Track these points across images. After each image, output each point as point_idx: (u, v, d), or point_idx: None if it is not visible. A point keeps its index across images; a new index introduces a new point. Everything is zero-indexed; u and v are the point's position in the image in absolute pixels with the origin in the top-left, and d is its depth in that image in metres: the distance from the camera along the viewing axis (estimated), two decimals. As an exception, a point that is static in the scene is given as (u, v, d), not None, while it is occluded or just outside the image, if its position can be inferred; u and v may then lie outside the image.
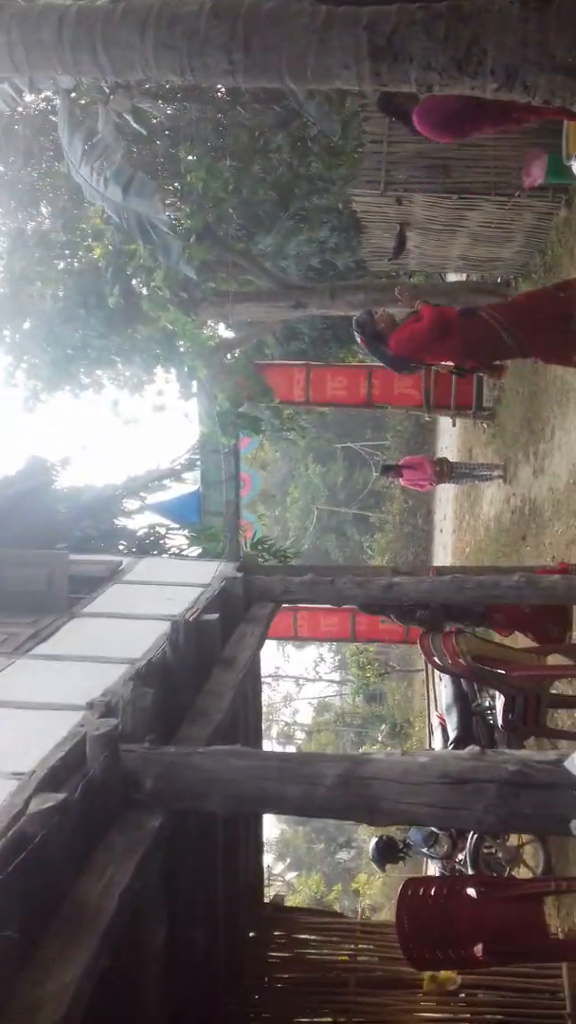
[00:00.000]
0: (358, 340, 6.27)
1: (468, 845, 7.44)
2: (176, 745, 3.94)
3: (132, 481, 7.90)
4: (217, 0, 4.68)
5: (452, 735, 6.93)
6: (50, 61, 4.71)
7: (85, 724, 3.55)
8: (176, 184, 13.45)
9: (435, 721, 8.31)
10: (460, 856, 7.86)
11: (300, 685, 44.29)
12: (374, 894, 26.54)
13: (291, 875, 45.02)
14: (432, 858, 8.40)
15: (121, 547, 7.58)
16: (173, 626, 4.36)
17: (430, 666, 6.30)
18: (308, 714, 44.88)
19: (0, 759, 3.24)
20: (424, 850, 8.20)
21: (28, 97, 14.89)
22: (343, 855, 40.59)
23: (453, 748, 6.70)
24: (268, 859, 45.64)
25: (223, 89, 13.18)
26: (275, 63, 4.65)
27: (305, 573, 6.39)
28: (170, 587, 5.71)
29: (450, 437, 16.67)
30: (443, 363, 6.56)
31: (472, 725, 6.94)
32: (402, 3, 4.61)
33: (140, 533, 7.83)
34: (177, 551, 7.67)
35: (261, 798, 3.42)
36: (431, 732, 9.79)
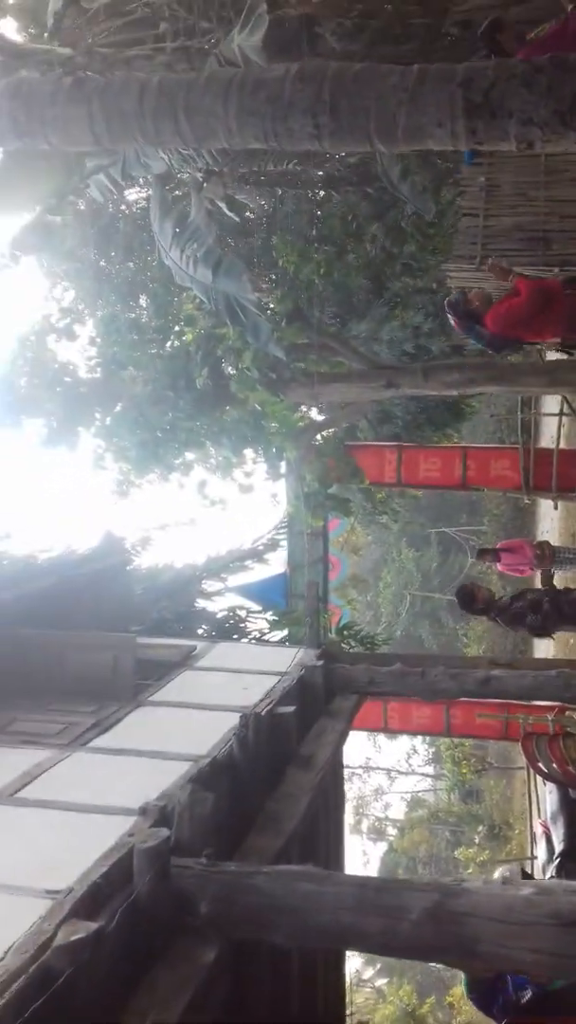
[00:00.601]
0: (451, 322, 5.84)
1: None
2: (240, 859, 3.47)
3: (213, 562, 7.61)
4: (303, 65, 4.55)
5: (558, 847, 6.18)
6: (130, 131, 4.63)
7: (135, 833, 3.14)
8: (272, 275, 13.59)
9: (539, 830, 7.52)
10: None
11: (392, 778, 42.68)
12: (469, 1010, 24.62)
13: (381, 981, 42.58)
14: None
15: (201, 630, 7.25)
16: (242, 720, 3.95)
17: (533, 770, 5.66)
18: (400, 808, 43.08)
19: (36, 872, 2.85)
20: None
21: (128, 193, 15.55)
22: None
23: (560, 864, 5.95)
24: (356, 963, 43.49)
25: (320, 173, 13.40)
26: (363, 125, 4.45)
27: (393, 662, 5.92)
28: (245, 675, 5.32)
29: (551, 521, 15.96)
30: (548, 340, 6.02)
31: None
32: (500, 59, 4.36)
33: (220, 616, 7.48)
34: (258, 635, 7.28)
35: (334, 931, 2.93)
36: (534, 841, 8.93)
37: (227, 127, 4.53)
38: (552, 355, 11.72)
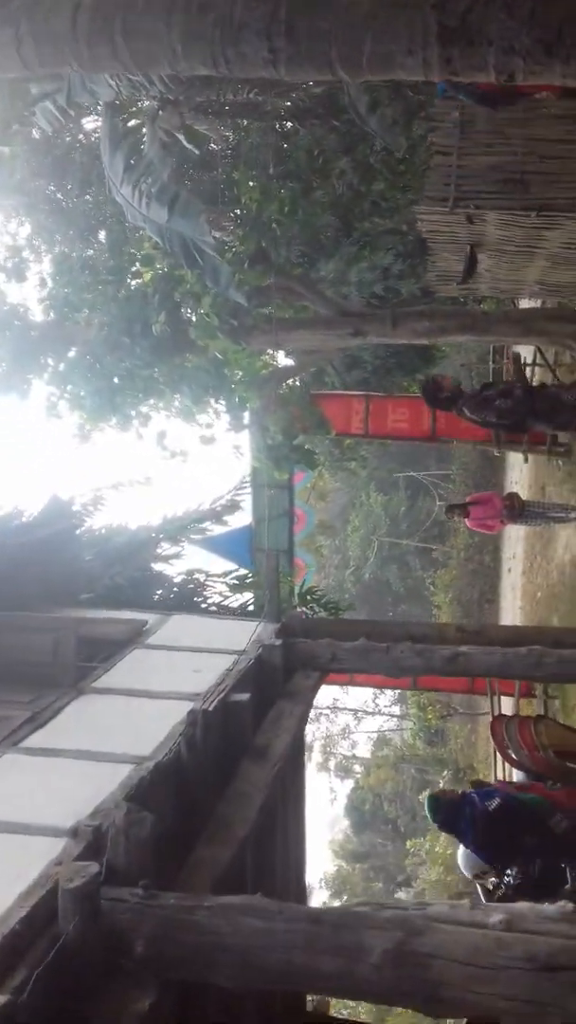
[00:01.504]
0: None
1: None
2: (186, 874, 3.16)
3: (169, 523, 7.21)
4: (257, -21, 4.03)
5: (510, 876, 5.97)
6: (63, 55, 4.08)
7: (63, 861, 2.80)
8: (236, 212, 12.93)
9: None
10: None
11: (359, 718, 43.25)
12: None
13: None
14: None
15: (157, 595, 6.88)
16: (191, 716, 3.62)
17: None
18: (367, 747, 43.75)
19: (-56, 918, 2.52)
20: None
21: (86, 121, 14.69)
22: (402, 894, 39.21)
23: (519, 878, 5.74)
24: (324, 896, 44.56)
25: (287, 104, 12.67)
26: (324, 51, 3.95)
27: (357, 632, 5.61)
28: (199, 654, 4.98)
29: (520, 473, 15.70)
30: None
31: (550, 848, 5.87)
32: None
33: (178, 580, 7.11)
34: (219, 601, 6.93)
35: (285, 973, 2.63)
36: None
37: (171, 51, 4.00)
38: (525, 303, 11.31)
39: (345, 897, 43.31)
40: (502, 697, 12.45)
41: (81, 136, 15.87)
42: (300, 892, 5.37)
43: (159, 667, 4.78)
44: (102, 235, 14.70)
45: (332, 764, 42.12)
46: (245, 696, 4.13)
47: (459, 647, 5.21)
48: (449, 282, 9.00)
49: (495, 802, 5.73)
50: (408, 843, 29.64)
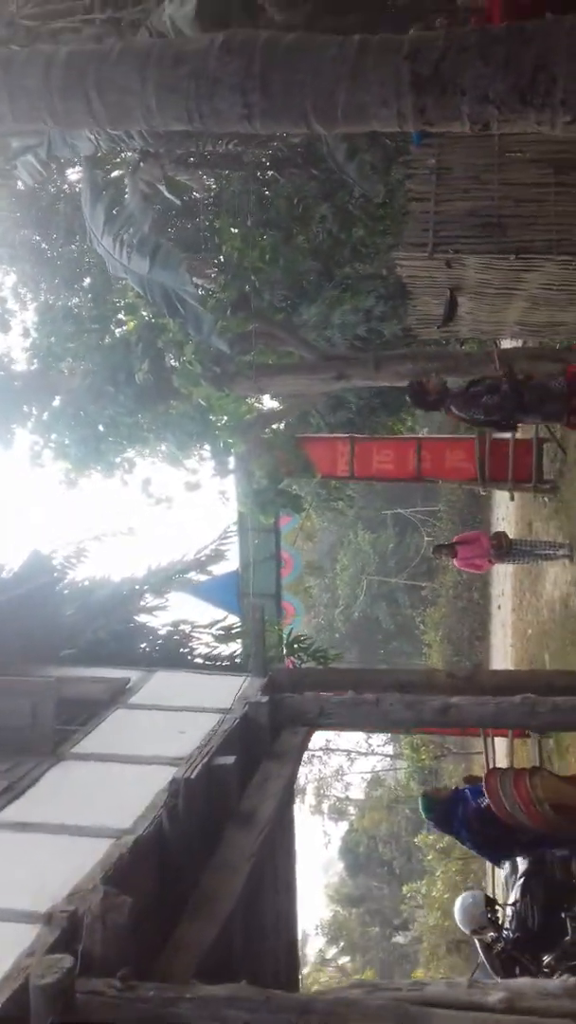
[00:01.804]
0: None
1: None
2: (169, 955, 3.01)
3: (153, 574, 7.08)
4: (229, 35, 4.02)
5: (509, 930, 5.81)
6: (37, 111, 4.06)
7: (35, 952, 2.65)
8: (220, 259, 13.01)
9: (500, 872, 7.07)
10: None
11: (352, 759, 42.78)
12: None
13: (344, 959, 42.85)
14: None
15: (142, 648, 6.72)
16: (173, 786, 3.47)
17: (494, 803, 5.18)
18: (361, 788, 43.26)
19: None
20: None
21: (70, 172, 14.80)
22: (400, 938, 38.45)
23: (506, 955, 5.57)
24: (320, 943, 43.53)
25: (268, 153, 12.81)
26: (298, 104, 3.93)
27: (345, 686, 5.48)
28: (183, 713, 4.83)
29: (507, 509, 15.68)
30: None
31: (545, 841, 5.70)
32: (450, 28, 3.88)
33: (162, 632, 6.96)
34: (205, 653, 6.78)
35: (272, 1069, 2.47)
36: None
37: (145, 106, 3.98)
38: (507, 343, 11.35)
39: (342, 943, 42.52)
40: (495, 738, 12.28)
41: (66, 186, 16.01)
42: (292, 962, 5.16)
43: (142, 729, 4.63)
44: (87, 282, 14.77)
45: (326, 807, 41.57)
46: (230, 760, 3.99)
47: (450, 698, 5.09)
48: (430, 325, 9.00)
49: (486, 799, 5.66)
50: (405, 888, 29.13)
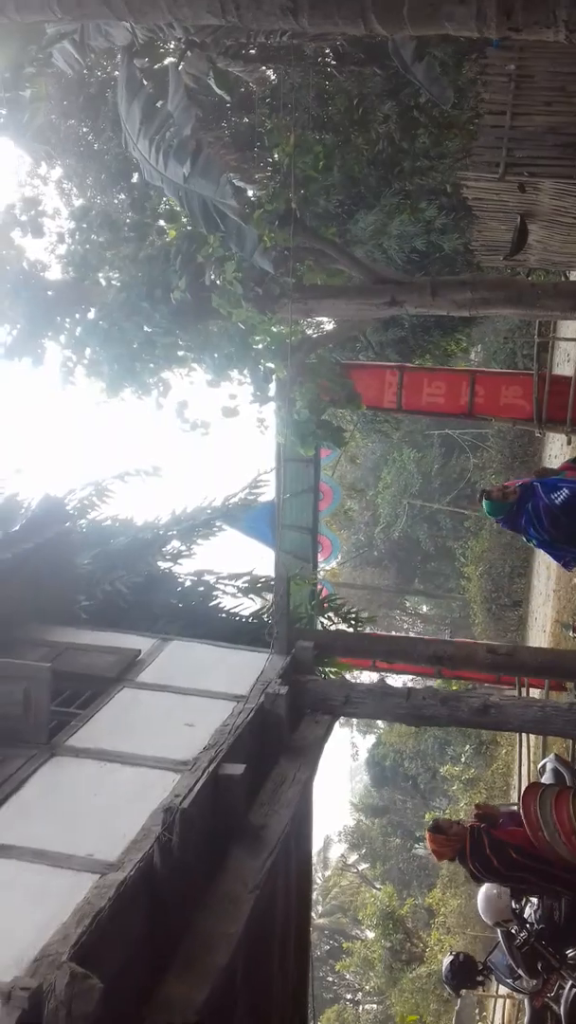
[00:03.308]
0: None
1: (567, 995, 6.01)
2: (149, 1016, 2.60)
3: (178, 520, 6.60)
4: None
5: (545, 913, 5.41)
6: (47, 2, 3.37)
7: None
8: (274, 157, 12.06)
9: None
10: (551, 994, 6.43)
11: (382, 675, 43.01)
12: (449, 912, 25.04)
13: (364, 866, 44.19)
14: (516, 991, 6.96)
15: (164, 600, 6.28)
16: (167, 817, 3.03)
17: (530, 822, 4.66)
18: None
19: None
20: (508, 981, 6.76)
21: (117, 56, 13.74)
22: (420, 850, 39.36)
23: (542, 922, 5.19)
24: (342, 848, 44.85)
25: (327, 49, 11.68)
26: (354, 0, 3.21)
27: (375, 653, 5.04)
28: (193, 698, 4.40)
29: (560, 450, 14.84)
30: None
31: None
32: None
33: (186, 584, 6.52)
34: (228, 611, 6.34)
35: None
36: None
37: (170, -2, 3.28)
38: (577, 274, 10.42)
39: (364, 850, 43.76)
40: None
41: (116, 73, 14.93)
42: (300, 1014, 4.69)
43: (147, 717, 4.21)
44: (136, 178, 13.87)
45: (354, 720, 42.16)
46: (239, 770, 3.55)
47: (489, 697, 4.57)
48: (496, 253, 8.18)
49: (562, 494, 5.34)
50: (427, 816, 29.46)
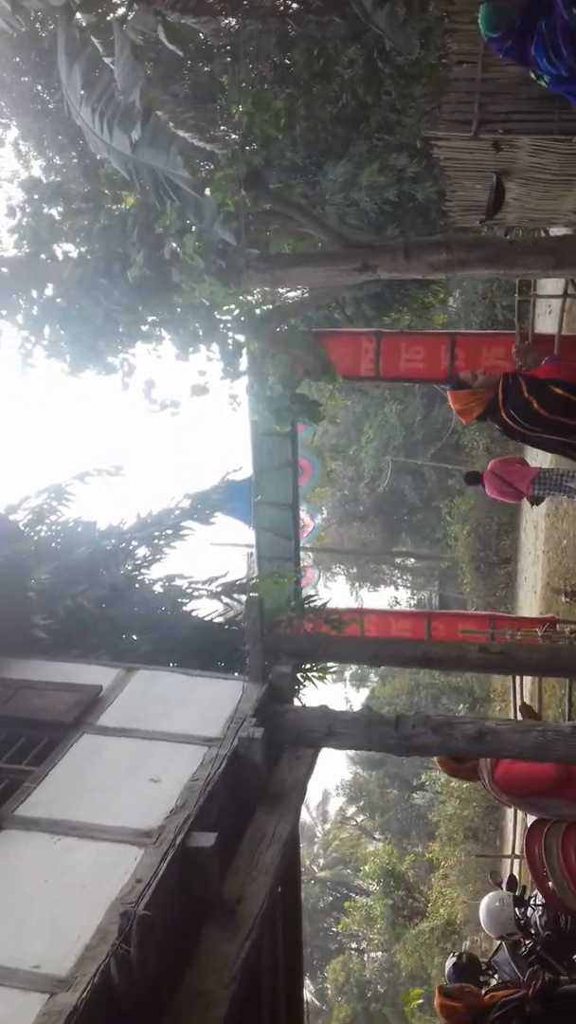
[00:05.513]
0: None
1: None
2: None
3: (143, 524, 6.19)
4: None
5: (550, 920, 5.11)
6: None
7: None
8: (228, 119, 11.40)
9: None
10: None
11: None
12: (450, 866, 25.22)
13: (362, 818, 44.76)
14: None
15: (131, 612, 5.89)
16: (123, 926, 2.67)
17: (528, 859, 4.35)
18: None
19: None
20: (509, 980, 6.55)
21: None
22: (418, 799, 39.79)
23: (547, 930, 4.88)
24: (340, 802, 45.39)
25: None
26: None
27: (361, 657, 4.69)
28: (160, 744, 4.02)
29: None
30: None
31: None
32: None
33: (155, 590, 6.12)
34: (204, 616, 5.95)
35: None
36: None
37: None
38: (557, 230, 9.87)
39: (362, 803, 44.28)
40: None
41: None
42: None
43: (108, 772, 3.83)
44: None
45: (347, 673, 42.28)
46: (210, 841, 3.19)
47: (485, 723, 4.21)
48: (472, 214, 7.67)
49: None
50: (424, 776, 29.69)
